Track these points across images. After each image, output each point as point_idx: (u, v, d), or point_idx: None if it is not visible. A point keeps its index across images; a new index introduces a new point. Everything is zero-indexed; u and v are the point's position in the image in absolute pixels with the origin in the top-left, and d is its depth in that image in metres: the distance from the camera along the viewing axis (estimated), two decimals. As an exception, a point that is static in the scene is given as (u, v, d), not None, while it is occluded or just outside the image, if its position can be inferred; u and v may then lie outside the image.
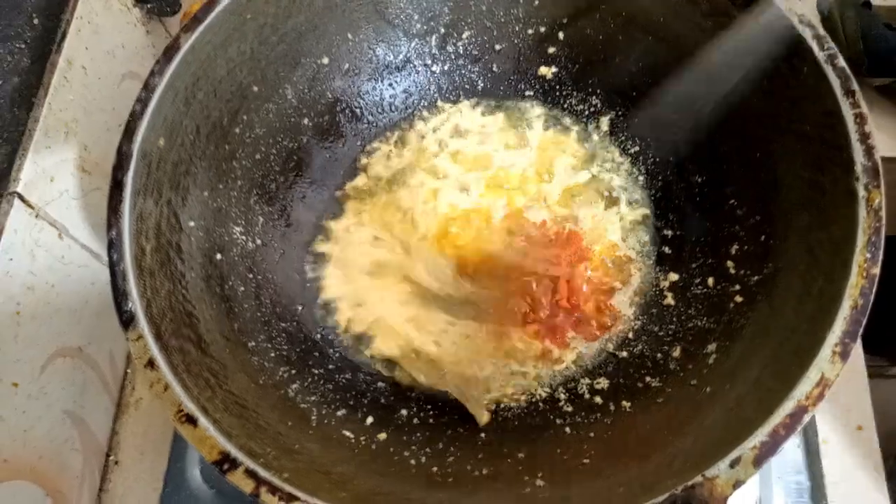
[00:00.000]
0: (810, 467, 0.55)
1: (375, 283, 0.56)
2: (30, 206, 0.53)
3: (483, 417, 0.49)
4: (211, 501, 0.52)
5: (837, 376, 0.35)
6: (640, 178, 0.59)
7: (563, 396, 0.51)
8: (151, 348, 0.37)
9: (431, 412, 0.50)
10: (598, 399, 0.49)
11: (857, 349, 0.62)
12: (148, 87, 0.43)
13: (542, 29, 0.60)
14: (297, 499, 0.33)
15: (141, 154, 0.42)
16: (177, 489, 0.52)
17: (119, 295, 0.38)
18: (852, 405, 0.61)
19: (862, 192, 0.40)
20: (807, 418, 0.35)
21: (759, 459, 0.33)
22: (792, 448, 0.57)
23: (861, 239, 0.39)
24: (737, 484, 0.33)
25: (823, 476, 0.56)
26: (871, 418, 0.61)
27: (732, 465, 0.33)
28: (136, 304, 0.38)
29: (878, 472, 0.58)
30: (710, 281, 0.51)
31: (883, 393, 0.91)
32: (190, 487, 0.52)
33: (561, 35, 0.60)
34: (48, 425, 0.55)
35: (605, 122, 0.61)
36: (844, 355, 0.36)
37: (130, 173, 0.41)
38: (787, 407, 0.35)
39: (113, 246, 0.39)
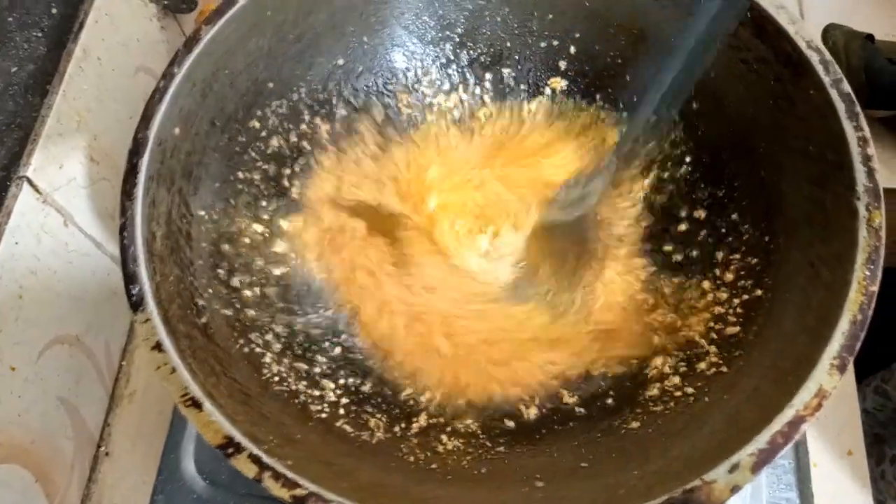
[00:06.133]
0: (800, 485, 0.55)
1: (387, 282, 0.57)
2: (38, 191, 0.54)
3: None
4: (204, 492, 0.52)
5: (835, 388, 0.36)
6: (644, 192, 0.60)
7: (559, 404, 0.51)
8: (159, 331, 0.37)
9: (428, 418, 0.51)
10: (594, 406, 0.50)
11: (850, 375, 0.63)
12: (167, 76, 0.44)
13: (555, 42, 0.61)
14: (299, 485, 0.33)
15: (157, 141, 0.42)
16: (170, 480, 0.52)
17: (129, 278, 0.38)
18: (843, 430, 0.61)
19: (863, 212, 0.41)
20: (804, 428, 0.35)
21: (757, 466, 0.34)
22: (783, 466, 0.57)
23: (861, 256, 0.40)
24: (734, 489, 0.34)
25: (813, 496, 0.56)
26: (861, 443, 0.61)
27: (731, 470, 0.34)
28: (145, 287, 0.38)
29: (866, 496, 0.59)
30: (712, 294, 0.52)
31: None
32: (184, 479, 0.52)
33: (573, 49, 0.61)
34: (42, 411, 0.55)
35: (611, 136, 0.62)
36: (842, 368, 0.37)
37: (145, 159, 0.41)
38: (786, 415, 0.35)
39: (125, 229, 0.39)
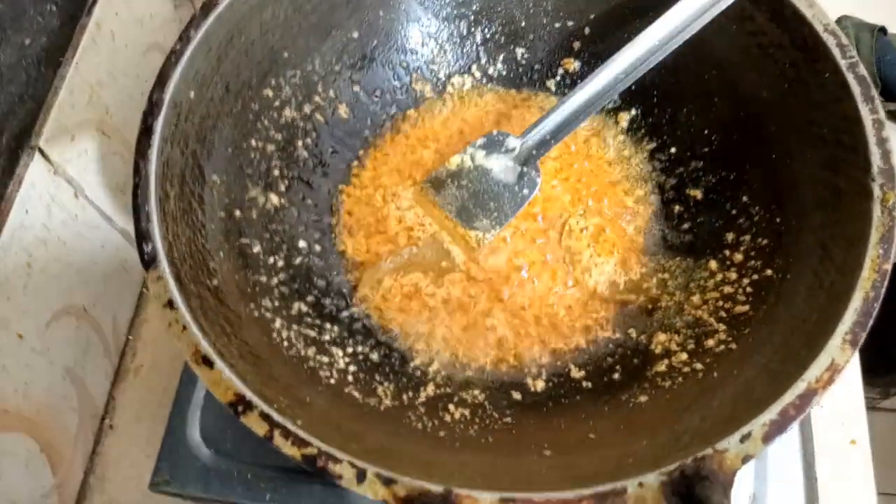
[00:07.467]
0: (805, 471, 0.56)
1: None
2: (49, 161, 0.54)
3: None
4: (209, 460, 0.52)
5: (847, 363, 0.36)
6: (655, 174, 0.60)
7: (567, 377, 0.51)
8: (171, 288, 0.37)
9: (435, 388, 0.51)
10: (601, 381, 0.50)
11: (855, 364, 0.63)
12: (183, 39, 0.44)
13: (570, 23, 0.61)
14: (309, 444, 0.33)
15: (172, 103, 0.42)
16: (175, 448, 0.52)
17: (142, 235, 0.38)
18: (847, 419, 0.62)
19: (877, 192, 0.41)
20: (816, 400, 0.35)
21: (769, 436, 0.34)
22: (788, 453, 0.57)
23: (875, 235, 0.40)
24: (746, 458, 0.34)
25: (817, 483, 0.56)
26: (865, 433, 0.61)
27: (742, 439, 0.34)
28: (158, 245, 0.38)
29: (869, 485, 0.59)
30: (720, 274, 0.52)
31: (875, 425, 0.91)
32: (189, 446, 0.52)
33: (587, 31, 0.61)
34: (48, 381, 0.55)
35: (624, 119, 0.62)
36: (854, 343, 0.37)
37: (160, 120, 0.41)
38: (798, 388, 0.35)
39: (138, 188, 0.39)
